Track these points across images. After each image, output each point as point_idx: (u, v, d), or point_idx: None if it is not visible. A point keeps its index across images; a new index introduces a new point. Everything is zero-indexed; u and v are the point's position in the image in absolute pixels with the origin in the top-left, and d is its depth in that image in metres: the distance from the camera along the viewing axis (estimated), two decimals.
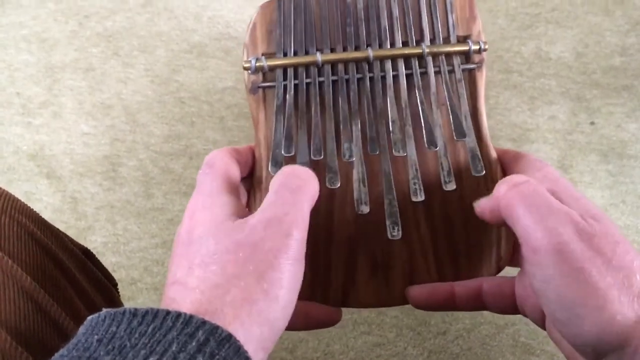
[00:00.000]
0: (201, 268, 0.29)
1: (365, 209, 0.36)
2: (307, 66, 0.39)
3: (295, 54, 0.39)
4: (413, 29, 0.40)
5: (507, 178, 0.34)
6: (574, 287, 0.30)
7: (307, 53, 0.39)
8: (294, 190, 0.31)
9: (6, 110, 0.85)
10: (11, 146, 0.81)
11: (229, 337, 0.25)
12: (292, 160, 0.37)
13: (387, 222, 0.36)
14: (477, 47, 0.39)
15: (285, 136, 0.37)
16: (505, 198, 0.33)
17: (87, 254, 0.44)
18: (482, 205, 0.35)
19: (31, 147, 0.81)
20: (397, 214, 0.36)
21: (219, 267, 0.28)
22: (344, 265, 0.39)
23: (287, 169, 0.33)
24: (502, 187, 0.33)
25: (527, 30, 0.94)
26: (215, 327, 0.25)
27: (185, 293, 0.28)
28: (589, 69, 0.88)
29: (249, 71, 0.39)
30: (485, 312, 0.55)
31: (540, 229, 0.31)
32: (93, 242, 0.72)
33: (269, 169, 0.36)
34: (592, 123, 0.82)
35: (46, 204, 0.76)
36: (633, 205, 0.74)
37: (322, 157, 0.37)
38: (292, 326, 0.35)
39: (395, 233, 0.36)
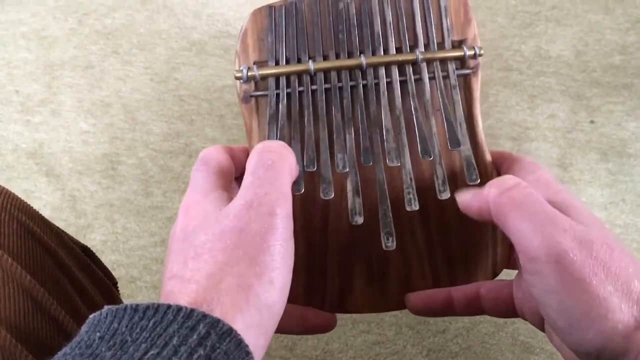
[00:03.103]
0: (194, 260, 0.28)
1: (360, 220, 0.35)
2: (299, 74, 0.38)
3: (287, 61, 0.38)
4: (407, 35, 0.39)
5: (498, 180, 0.33)
6: (576, 297, 0.29)
7: (299, 61, 0.38)
8: (270, 167, 0.31)
9: (5, 108, 0.85)
10: (10, 144, 0.81)
11: (230, 331, 0.25)
12: None
13: (382, 233, 0.36)
14: (472, 52, 0.39)
15: None
16: (496, 203, 0.32)
17: (87, 252, 0.44)
18: (468, 201, 0.34)
19: (30, 145, 0.81)
20: (391, 225, 0.36)
21: (210, 256, 0.28)
22: (340, 272, 0.39)
23: (259, 146, 0.33)
24: (493, 191, 0.32)
25: (527, 29, 0.94)
26: (217, 321, 0.25)
27: (182, 285, 0.28)
28: (589, 67, 0.88)
29: (241, 80, 0.38)
30: None
31: (537, 238, 0.30)
32: (92, 240, 0.72)
33: None
34: (592, 121, 0.82)
35: (45, 202, 0.76)
36: (633, 204, 0.74)
37: (315, 168, 0.36)
38: (288, 330, 0.35)
39: (389, 244, 0.36)
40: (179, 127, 0.83)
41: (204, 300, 0.26)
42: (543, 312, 0.31)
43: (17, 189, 0.76)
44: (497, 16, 0.96)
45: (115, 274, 0.50)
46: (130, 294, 0.69)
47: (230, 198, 0.32)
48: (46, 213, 0.45)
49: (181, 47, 0.93)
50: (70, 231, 0.45)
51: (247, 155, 0.38)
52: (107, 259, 0.71)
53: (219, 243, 0.29)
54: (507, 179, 0.33)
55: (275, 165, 0.31)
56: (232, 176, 0.35)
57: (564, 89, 0.86)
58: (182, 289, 0.28)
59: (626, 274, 0.29)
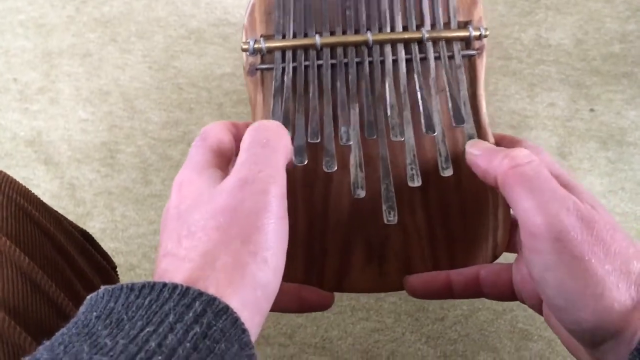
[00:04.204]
0: (188, 238, 0.28)
1: (362, 193, 0.35)
2: (305, 49, 0.38)
3: (294, 36, 0.39)
4: (414, 14, 0.39)
5: (513, 152, 0.33)
6: (573, 275, 0.29)
7: (306, 36, 0.39)
8: (265, 145, 0.31)
9: (3, 96, 0.85)
10: (8, 132, 0.81)
11: (226, 308, 0.25)
12: None
13: (384, 207, 0.36)
14: (477, 33, 0.39)
15: (283, 119, 0.37)
16: (506, 176, 0.32)
17: (86, 236, 0.44)
18: (476, 160, 0.34)
19: (28, 134, 0.81)
20: (393, 199, 0.36)
21: (204, 234, 0.28)
22: (339, 251, 0.39)
23: (255, 124, 0.32)
24: (505, 163, 0.32)
25: (527, 17, 0.93)
26: (213, 299, 0.25)
27: (177, 263, 0.28)
28: (589, 56, 0.88)
29: (247, 52, 0.38)
30: (484, 299, 0.56)
31: (541, 214, 0.30)
32: (91, 228, 0.72)
33: None
34: (592, 110, 0.82)
35: (44, 190, 0.76)
36: (632, 192, 0.74)
37: (319, 140, 0.36)
38: (285, 308, 0.35)
39: (391, 218, 0.35)
40: (177, 116, 0.83)
41: (199, 278, 0.26)
42: (540, 290, 0.32)
43: (16, 177, 0.75)
44: (497, 4, 0.96)
45: (114, 262, 0.50)
46: (130, 281, 0.69)
47: (223, 176, 0.32)
48: (45, 201, 0.44)
49: (180, 35, 0.93)
50: (69, 219, 0.45)
51: None
52: (106, 246, 0.71)
53: (213, 221, 0.28)
54: (521, 154, 0.33)
55: (271, 143, 0.31)
56: (231, 155, 0.35)
57: (564, 78, 0.86)
58: (177, 267, 0.27)
59: (626, 254, 0.30)
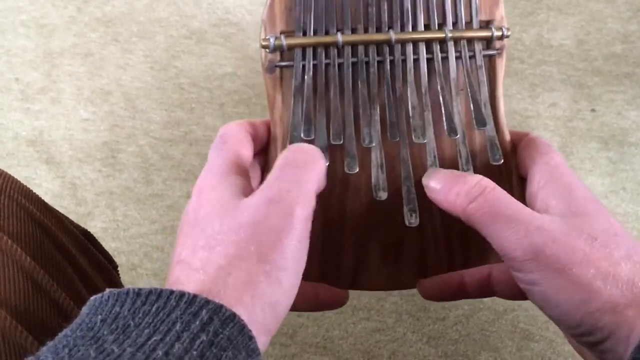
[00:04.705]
0: (205, 250, 0.28)
1: (384, 195, 0.35)
2: (326, 46, 0.38)
3: (314, 33, 0.38)
4: (436, 12, 0.38)
5: (463, 187, 0.33)
6: (559, 287, 0.30)
7: (327, 33, 0.38)
8: (299, 167, 0.31)
9: (5, 96, 0.85)
10: (10, 132, 0.81)
11: (233, 316, 0.25)
12: (310, 143, 0.36)
13: (405, 209, 0.35)
14: (499, 33, 0.38)
15: (304, 119, 0.36)
16: (466, 214, 0.32)
17: (87, 235, 0.44)
18: (438, 199, 0.34)
19: (30, 133, 0.81)
20: (414, 201, 0.36)
21: (222, 248, 0.28)
22: (356, 249, 0.38)
23: (293, 147, 0.33)
24: (460, 200, 0.32)
25: (529, 17, 0.93)
26: (219, 307, 0.25)
27: (189, 273, 0.28)
28: (590, 56, 0.88)
29: (267, 49, 0.37)
30: (485, 298, 0.55)
31: (512, 238, 0.30)
32: (93, 227, 0.72)
33: None
34: (593, 110, 0.82)
35: (46, 189, 0.76)
36: (633, 193, 0.74)
37: (341, 141, 0.36)
38: (300, 307, 0.35)
39: (413, 220, 0.35)
40: (179, 115, 0.83)
41: (209, 292, 0.26)
42: (532, 301, 0.32)
43: (18, 177, 0.75)
44: None
45: (115, 261, 0.50)
46: (131, 281, 0.69)
47: (244, 183, 0.32)
48: (46, 200, 0.45)
49: (181, 35, 0.93)
50: (71, 219, 0.45)
51: (269, 128, 0.37)
52: (108, 246, 0.71)
53: (233, 235, 0.28)
54: (471, 186, 0.32)
55: (304, 166, 0.31)
56: (250, 158, 0.35)
57: (565, 78, 0.86)
58: (188, 277, 0.27)
59: (614, 257, 0.30)
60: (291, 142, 0.35)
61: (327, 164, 0.34)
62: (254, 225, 0.28)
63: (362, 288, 0.39)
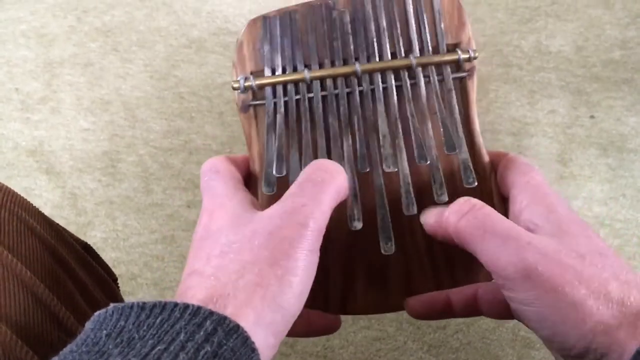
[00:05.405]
0: (219, 257, 0.29)
1: (359, 225, 0.36)
2: (295, 83, 0.39)
3: (283, 70, 0.39)
4: (401, 40, 0.39)
5: (454, 206, 0.33)
6: (551, 306, 0.29)
7: (295, 69, 0.39)
8: (317, 184, 0.31)
9: (5, 106, 0.85)
10: (10, 142, 0.81)
11: (237, 327, 0.25)
12: (284, 179, 0.36)
13: (380, 238, 0.36)
14: (466, 55, 0.39)
15: (277, 156, 0.37)
16: (457, 231, 0.32)
17: (87, 248, 0.44)
18: (433, 229, 0.35)
19: (30, 143, 0.81)
20: (389, 229, 0.36)
21: (236, 255, 0.29)
22: (342, 274, 0.39)
23: (314, 163, 0.33)
24: (451, 219, 0.33)
25: (527, 24, 0.94)
26: (223, 318, 0.25)
27: (201, 280, 0.28)
28: (589, 63, 0.88)
29: (239, 91, 0.39)
30: None
31: (503, 257, 0.30)
32: (93, 237, 0.72)
33: (263, 189, 0.36)
34: (592, 117, 0.82)
35: (46, 199, 0.76)
36: (633, 199, 0.74)
37: None
38: (294, 333, 0.35)
39: (388, 248, 0.36)
40: (178, 125, 0.83)
41: (219, 296, 0.27)
42: (524, 323, 0.32)
43: (18, 187, 0.76)
44: (497, 12, 0.96)
45: (115, 271, 0.50)
46: (131, 291, 0.69)
47: (252, 198, 0.32)
48: (46, 211, 0.45)
49: (181, 45, 0.93)
50: (71, 229, 0.45)
51: (248, 164, 0.38)
52: (108, 256, 0.71)
53: (248, 243, 0.29)
54: (461, 204, 0.33)
55: (322, 182, 0.32)
56: (242, 181, 0.35)
57: (564, 85, 0.86)
58: (200, 283, 0.28)
59: (603, 277, 0.29)
60: (266, 180, 0.36)
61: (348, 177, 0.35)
62: (268, 235, 0.29)
63: (352, 313, 0.40)
